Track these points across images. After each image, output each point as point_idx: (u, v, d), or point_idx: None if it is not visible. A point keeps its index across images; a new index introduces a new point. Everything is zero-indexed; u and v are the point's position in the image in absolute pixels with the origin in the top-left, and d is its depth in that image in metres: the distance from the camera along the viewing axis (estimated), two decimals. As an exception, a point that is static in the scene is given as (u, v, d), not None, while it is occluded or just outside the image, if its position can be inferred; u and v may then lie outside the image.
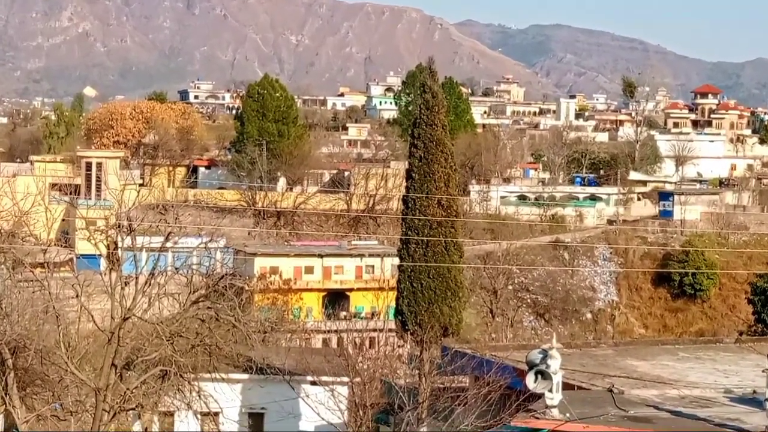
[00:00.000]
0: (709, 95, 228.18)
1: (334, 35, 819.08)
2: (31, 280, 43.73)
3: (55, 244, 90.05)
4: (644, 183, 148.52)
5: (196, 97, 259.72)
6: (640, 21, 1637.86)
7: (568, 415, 31.64)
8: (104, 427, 33.42)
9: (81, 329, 40.16)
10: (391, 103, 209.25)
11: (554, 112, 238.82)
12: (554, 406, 31.95)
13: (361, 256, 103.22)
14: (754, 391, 33.76)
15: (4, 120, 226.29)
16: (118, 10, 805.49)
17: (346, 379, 37.37)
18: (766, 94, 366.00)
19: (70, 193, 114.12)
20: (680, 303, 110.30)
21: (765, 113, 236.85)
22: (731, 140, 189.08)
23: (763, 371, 30.91)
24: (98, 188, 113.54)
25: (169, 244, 40.65)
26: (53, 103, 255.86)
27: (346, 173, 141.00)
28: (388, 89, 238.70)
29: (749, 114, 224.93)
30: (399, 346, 47.88)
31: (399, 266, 49.84)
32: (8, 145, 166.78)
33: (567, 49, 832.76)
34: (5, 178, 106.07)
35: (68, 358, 35.89)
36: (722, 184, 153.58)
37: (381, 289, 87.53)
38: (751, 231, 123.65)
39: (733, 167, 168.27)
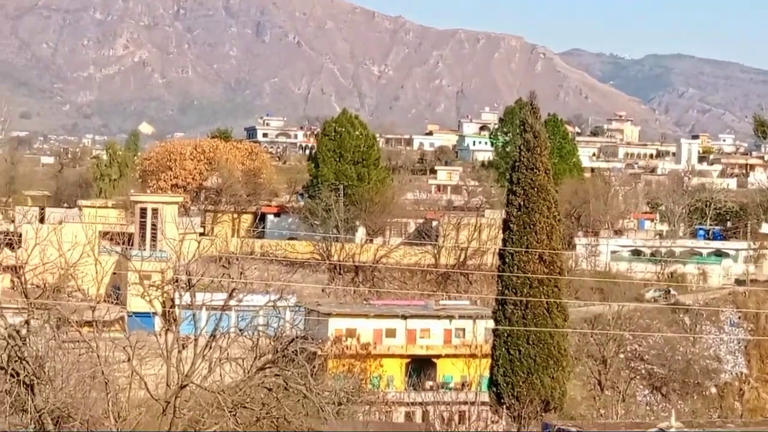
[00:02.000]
0: None
1: (422, 66, 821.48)
2: (78, 341, 44.20)
3: (104, 301, 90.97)
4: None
5: (264, 135, 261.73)
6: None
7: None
8: None
9: (132, 397, 40.48)
10: (486, 143, 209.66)
11: (674, 154, 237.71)
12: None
13: (451, 317, 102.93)
14: None
15: (51, 160, 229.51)
16: (179, 38, 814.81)
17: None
18: None
19: (123, 243, 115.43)
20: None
21: None
22: None
23: None
24: (154, 238, 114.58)
25: (232, 302, 40.88)
26: (105, 141, 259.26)
27: (434, 223, 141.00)
28: (483, 127, 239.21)
29: None
30: (493, 422, 47.82)
31: (494, 330, 49.90)
32: (54, 188, 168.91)
33: (689, 82, 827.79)
34: (51, 226, 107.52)
35: (118, 429, 36.22)
36: None
37: (473, 356, 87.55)
38: None
39: None
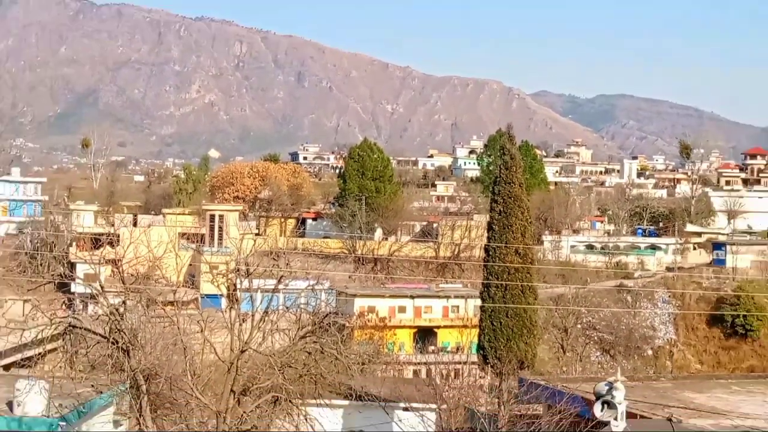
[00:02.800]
0: (758, 156, 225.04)
1: (424, 105, 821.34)
2: (162, 317, 44.22)
3: (183, 285, 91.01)
4: (699, 234, 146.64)
5: (304, 158, 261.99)
6: (695, 90, 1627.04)
7: (632, 441, 31.10)
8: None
9: (204, 360, 40.46)
10: (474, 163, 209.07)
11: (618, 171, 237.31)
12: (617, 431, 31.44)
13: (448, 297, 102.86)
14: (801, 423, 33.02)
15: (141, 178, 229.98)
16: (238, 84, 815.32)
17: (434, 406, 37.21)
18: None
19: (196, 242, 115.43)
20: (732, 342, 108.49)
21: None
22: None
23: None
24: (220, 237, 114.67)
25: (280, 286, 40.86)
26: (183, 163, 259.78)
27: (435, 225, 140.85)
28: (472, 151, 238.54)
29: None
30: (480, 378, 47.60)
31: (481, 307, 49.64)
32: (144, 199, 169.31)
33: (630, 116, 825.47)
34: (141, 228, 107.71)
35: (193, 384, 36.16)
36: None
37: (465, 326, 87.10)
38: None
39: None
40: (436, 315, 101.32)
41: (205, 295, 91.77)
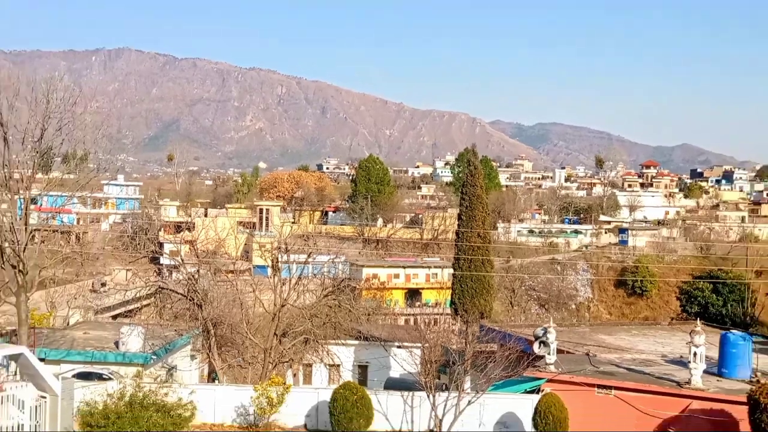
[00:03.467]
0: (651, 167, 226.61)
1: (413, 130, 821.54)
2: (225, 281, 44.28)
3: (239, 259, 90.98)
4: (609, 222, 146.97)
5: (327, 168, 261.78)
6: (607, 118, 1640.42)
7: (560, 369, 31.17)
8: (269, 374, 33.61)
9: (255, 312, 40.53)
10: (448, 172, 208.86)
11: (551, 177, 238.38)
12: (551, 364, 31.45)
13: (429, 267, 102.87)
14: (681, 356, 33.14)
15: (210, 182, 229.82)
16: (279, 115, 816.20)
17: (419, 344, 37.26)
18: (688, 167, 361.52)
19: (250, 228, 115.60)
20: (632, 299, 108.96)
21: (687, 179, 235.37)
22: (665, 196, 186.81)
23: (687, 343, 30.33)
24: (267, 224, 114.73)
25: (309, 260, 40.95)
26: (240, 172, 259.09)
27: (420, 216, 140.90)
28: (447, 164, 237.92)
29: (677, 179, 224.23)
30: (452, 324, 47.57)
31: (453, 274, 49.64)
32: (212, 198, 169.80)
33: (560, 138, 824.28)
34: (211, 218, 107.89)
35: (247, 329, 36.23)
36: (659, 223, 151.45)
37: (441, 288, 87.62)
38: (678, 253, 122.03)
39: (666, 213, 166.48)
40: (420, 280, 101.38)
41: (256, 265, 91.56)
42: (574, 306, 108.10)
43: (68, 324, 45.08)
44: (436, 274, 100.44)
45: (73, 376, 30.10)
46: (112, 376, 31.14)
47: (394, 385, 34.87)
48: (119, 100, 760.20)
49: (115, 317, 65.69)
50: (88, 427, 22.20)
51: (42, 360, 26.21)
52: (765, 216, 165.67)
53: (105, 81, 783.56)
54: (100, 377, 31.92)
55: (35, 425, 23.48)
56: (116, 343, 36.12)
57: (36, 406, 23.52)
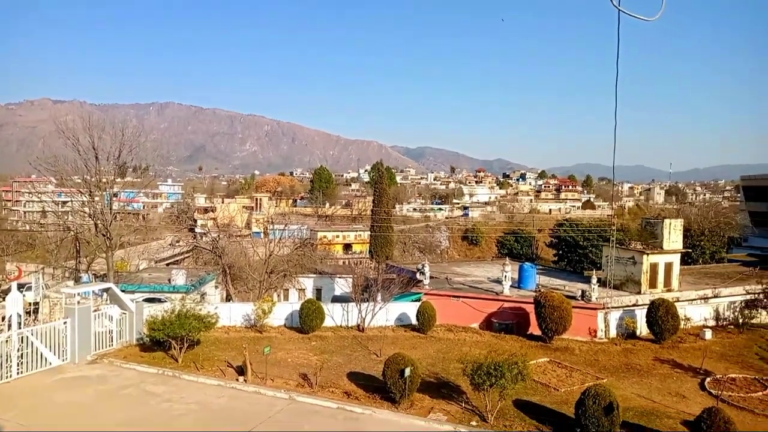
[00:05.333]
0: (481, 172, 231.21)
1: (345, 151, 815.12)
2: (235, 241, 43.26)
3: (244, 227, 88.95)
4: (458, 204, 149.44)
5: (296, 174, 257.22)
6: (458, 142, 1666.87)
7: (431, 287, 31.66)
8: (262, 295, 33.17)
9: (254, 259, 39.79)
10: (367, 176, 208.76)
11: (426, 178, 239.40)
12: (426, 284, 31.90)
13: (357, 231, 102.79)
14: (498, 278, 34.11)
15: (225, 183, 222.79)
16: (267, 143, 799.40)
17: (351, 275, 37.36)
18: (502, 171, 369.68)
19: (250, 209, 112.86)
20: (471, 247, 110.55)
21: (501, 179, 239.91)
22: (489, 188, 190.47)
23: (501, 271, 31.23)
24: (260, 207, 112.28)
25: (286, 228, 40.38)
26: (243, 177, 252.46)
27: (351, 201, 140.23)
28: (366, 171, 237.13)
29: (495, 179, 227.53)
30: (370, 264, 47.80)
31: (370, 234, 49.76)
32: (227, 192, 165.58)
33: (431, 155, 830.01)
34: (226, 204, 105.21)
35: (249, 270, 35.56)
36: (486, 204, 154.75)
37: (364, 242, 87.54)
38: (495, 220, 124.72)
39: (490, 198, 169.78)
40: (351, 238, 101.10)
41: (254, 232, 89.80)
42: (439, 251, 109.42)
43: (138, 269, 43.44)
44: (361, 234, 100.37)
45: (143, 300, 29.24)
46: (166, 300, 30.31)
47: (337, 299, 34.92)
48: (168, 133, 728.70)
49: (167, 264, 63.38)
50: (152, 331, 21.54)
51: (123, 291, 25.31)
52: (543, 198, 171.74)
53: (158, 121, 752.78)
54: (159, 300, 31.07)
55: (119, 330, 23.06)
56: (169, 280, 35.12)
57: (120, 319, 23.08)
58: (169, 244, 68.29)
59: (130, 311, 22.93)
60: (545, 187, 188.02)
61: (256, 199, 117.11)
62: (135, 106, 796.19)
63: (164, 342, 21.25)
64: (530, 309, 27.63)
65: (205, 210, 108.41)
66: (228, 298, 36.91)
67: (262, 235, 65.22)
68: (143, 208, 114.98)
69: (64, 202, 41.32)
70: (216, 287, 38.78)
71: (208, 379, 19.03)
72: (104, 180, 30.97)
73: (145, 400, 17.10)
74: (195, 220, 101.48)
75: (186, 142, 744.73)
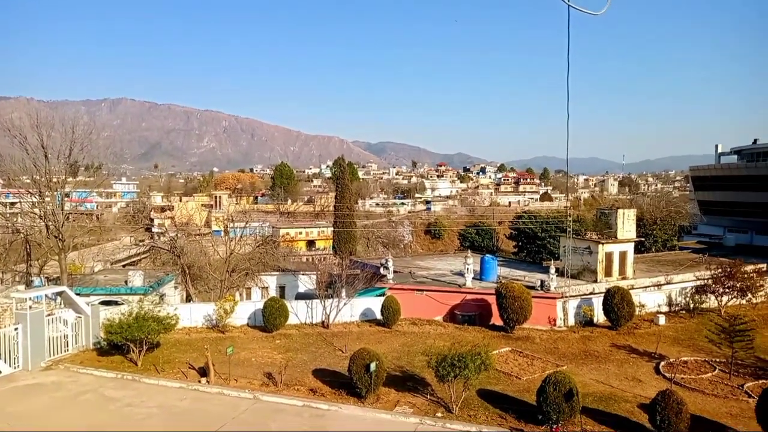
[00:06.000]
0: (443, 166, 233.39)
1: (306, 147, 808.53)
2: (194, 240, 42.31)
3: (203, 226, 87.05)
4: (421, 198, 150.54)
5: (256, 170, 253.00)
6: (419, 137, 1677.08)
7: (395, 282, 31.87)
8: (224, 295, 32.63)
9: (214, 258, 39.06)
10: (329, 171, 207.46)
11: (388, 173, 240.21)
12: (390, 279, 32.09)
13: (320, 227, 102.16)
14: (460, 270, 34.59)
15: (182, 181, 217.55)
16: (225, 139, 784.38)
17: (315, 272, 37.18)
18: (462, 165, 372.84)
19: (209, 207, 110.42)
20: (434, 240, 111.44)
21: (461, 173, 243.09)
22: (450, 182, 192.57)
23: (463, 263, 31.69)
24: (220, 204, 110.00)
25: (247, 226, 39.79)
26: (201, 174, 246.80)
27: (313, 197, 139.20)
28: (328, 166, 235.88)
29: (456, 173, 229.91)
30: (334, 260, 47.67)
31: (333, 231, 49.57)
32: (184, 190, 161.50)
33: (393, 150, 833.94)
34: (183, 202, 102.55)
35: (209, 269, 34.92)
36: (448, 198, 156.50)
37: (328, 239, 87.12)
38: (457, 213, 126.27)
39: (451, 192, 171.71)
40: (314, 235, 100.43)
41: (214, 230, 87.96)
42: (402, 245, 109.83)
43: (93, 271, 41.99)
44: (324, 230, 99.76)
45: (98, 303, 28.30)
46: (123, 302, 29.41)
47: (301, 296, 34.68)
48: (121, 130, 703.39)
49: (124, 266, 61.42)
50: (110, 334, 20.91)
51: (78, 294, 24.43)
52: (502, 192, 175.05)
53: (111, 118, 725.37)
54: (116, 303, 30.11)
55: (74, 335, 22.29)
56: (125, 282, 34.12)
57: (75, 323, 22.30)
58: (129, 245, 66.28)
59: (85, 315, 22.18)
60: (504, 180, 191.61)
61: (216, 197, 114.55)
62: (86, 102, 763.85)
63: (122, 345, 20.67)
64: (492, 300, 28.15)
65: (162, 209, 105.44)
66: (188, 299, 36.07)
67: (222, 233, 64.00)
68: (97, 208, 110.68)
69: (13, 204, 39.59)
70: (175, 288, 37.84)
71: (169, 382, 18.64)
72: (55, 179, 29.78)
73: (105, 405, 16.62)
74: (152, 220, 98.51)
75: (140, 139, 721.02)
